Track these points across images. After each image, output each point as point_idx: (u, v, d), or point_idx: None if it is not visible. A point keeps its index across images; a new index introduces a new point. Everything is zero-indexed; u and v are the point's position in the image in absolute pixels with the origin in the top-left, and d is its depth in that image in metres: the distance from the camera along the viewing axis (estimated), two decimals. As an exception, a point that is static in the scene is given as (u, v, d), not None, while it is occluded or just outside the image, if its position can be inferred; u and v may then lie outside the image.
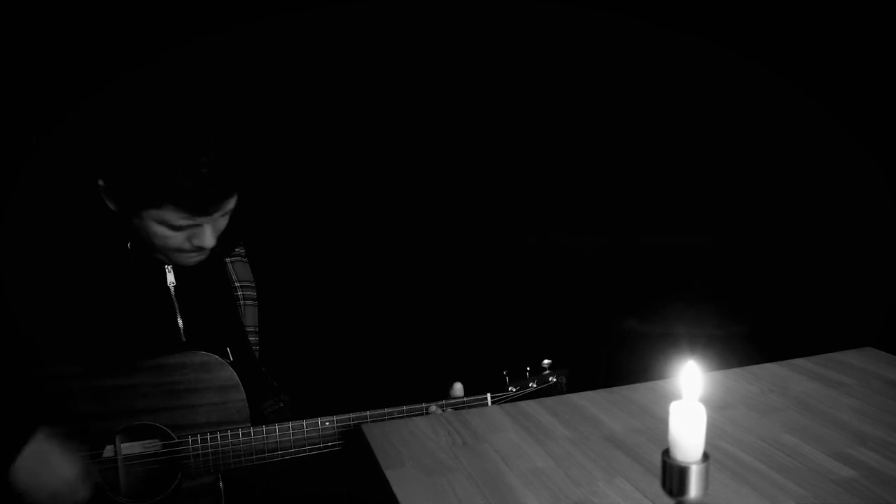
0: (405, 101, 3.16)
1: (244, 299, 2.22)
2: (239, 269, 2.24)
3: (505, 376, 2.26)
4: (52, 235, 1.94)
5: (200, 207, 1.81)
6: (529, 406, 1.93)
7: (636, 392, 1.99)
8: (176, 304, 2.07)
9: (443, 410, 2.13)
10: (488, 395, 2.21)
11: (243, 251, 2.26)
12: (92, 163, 1.84)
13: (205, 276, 2.14)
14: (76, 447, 1.81)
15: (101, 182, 1.84)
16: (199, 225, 1.87)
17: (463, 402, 2.17)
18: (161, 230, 1.85)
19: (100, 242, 1.94)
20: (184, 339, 2.06)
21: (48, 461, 1.76)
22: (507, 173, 3.35)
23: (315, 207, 3.10)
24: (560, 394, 2.26)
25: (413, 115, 3.19)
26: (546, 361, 2.28)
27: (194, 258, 1.98)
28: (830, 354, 2.20)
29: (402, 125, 3.19)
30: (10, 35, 2.52)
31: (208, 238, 1.89)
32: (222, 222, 1.93)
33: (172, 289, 2.07)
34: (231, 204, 1.88)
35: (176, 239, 1.88)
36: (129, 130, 1.76)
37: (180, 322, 2.06)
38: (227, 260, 2.23)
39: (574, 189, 3.40)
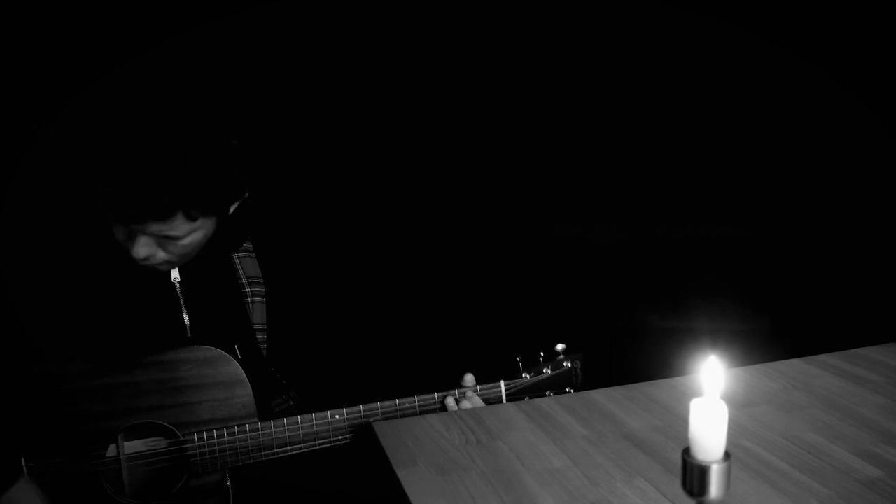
0: (418, 92, 3.17)
1: (252, 296, 2.22)
2: (247, 265, 2.24)
3: (518, 363, 2.27)
4: (54, 230, 1.95)
5: (118, 208, 1.79)
6: (545, 403, 1.94)
7: (656, 389, 2.00)
8: (181, 300, 2.08)
9: (457, 402, 2.14)
10: (501, 383, 2.22)
11: (251, 246, 2.26)
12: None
13: (211, 271, 2.14)
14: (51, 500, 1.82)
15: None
16: (135, 231, 1.84)
17: (476, 391, 2.18)
18: (107, 214, 1.85)
19: (103, 236, 1.94)
20: (189, 336, 2.07)
21: None
22: (520, 165, 3.35)
23: (324, 201, 3.11)
24: (575, 379, 2.27)
25: (425, 106, 3.19)
26: (560, 346, 2.29)
27: (138, 263, 1.95)
28: (856, 350, 2.20)
29: (413, 118, 3.19)
30: (6, 27, 2.53)
31: (137, 249, 1.85)
32: (172, 248, 1.90)
33: (177, 284, 2.08)
34: (171, 232, 1.84)
35: (117, 232, 1.87)
36: (101, 122, 1.76)
37: (186, 318, 2.07)
38: (235, 255, 2.22)
39: (591, 180, 3.40)
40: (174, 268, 2.03)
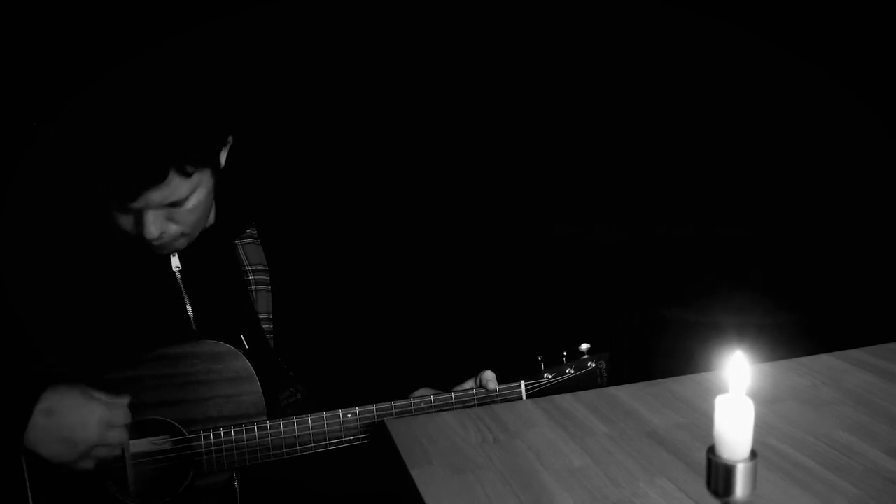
0: (418, 92, 3.19)
1: (256, 284, 2.23)
2: (250, 252, 2.25)
3: (540, 362, 2.26)
4: (54, 230, 1.97)
5: (116, 190, 1.81)
6: (565, 400, 1.95)
7: (680, 385, 2.01)
8: (183, 290, 2.09)
9: (474, 399, 2.15)
10: (522, 383, 2.22)
11: (255, 233, 2.27)
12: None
13: (213, 259, 2.16)
14: (91, 396, 1.82)
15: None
16: (139, 210, 1.87)
17: (495, 392, 2.19)
18: (111, 206, 1.87)
19: (102, 232, 1.97)
20: (194, 328, 2.08)
21: (69, 411, 1.77)
22: (536, 160, 3.37)
23: (334, 186, 3.12)
24: (600, 380, 2.27)
25: (427, 106, 3.21)
26: (584, 346, 2.28)
27: (154, 248, 1.98)
28: (888, 345, 2.20)
29: (416, 117, 3.21)
30: (6, 27, 2.56)
31: (148, 228, 1.88)
32: (181, 216, 1.93)
33: (178, 273, 2.09)
34: (172, 196, 1.87)
35: (123, 221, 1.89)
36: (81, 98, 1.80)
37: (189, 309, 2.09)
38: (238, 242, 2.23)
39: (616, 176, 3.42)
40: (190, 241, 2.03)
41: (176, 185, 1.86)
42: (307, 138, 3.09)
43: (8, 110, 2.39)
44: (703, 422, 1.80)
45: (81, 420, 1.78)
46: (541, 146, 3.35)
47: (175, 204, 1.89)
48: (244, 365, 2.01)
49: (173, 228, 1.94)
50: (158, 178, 1.81)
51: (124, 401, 1.88)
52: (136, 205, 1.84)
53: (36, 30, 2.56)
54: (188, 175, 1.87)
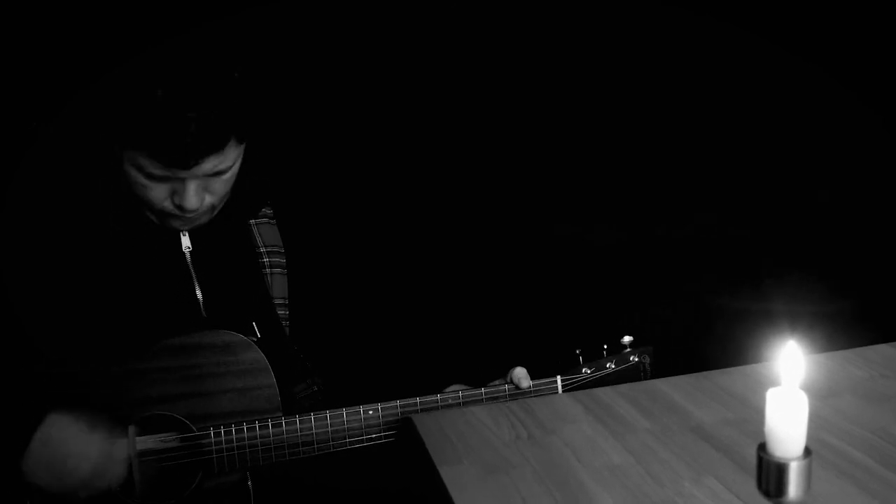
0: (418, 92, 3.22)
1: (271, 266, 2.23)
2: (265, 233, 2.25)
3: (578, 356, 2.25)
4: (56, 219, 1.98)
5: (174, 157, 1.83)
6: (604, 393, 1.94)
7: (728, 377, 2.01)
8: (193, 273, 2.09)
9: (506, 395, 2.15)
10: (558, 378, 2.21)
11: (271, 212, 2.27)
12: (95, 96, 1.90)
13: (226, 239, 2.16)
14: (95, 426, 1.83)
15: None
16: (181, 180, 1.88)
17: (529, 389, 2.18)
18: (139, 178, 1.88)
19: (104, 210, 1.98)
20: (204, 315, 2.08)
21: (64, 444, 1.79)
22: (574, 155, 3.40)
23: (354, 163, 3.13)
24: (643, 376, 2.26)
25: (438, 99, 3.24)
26: (626, 338, 2.27)
27: (179, 223, 2.00)
28: (953, 334, 2.20)
29: (429, 107, 3.24)
30: (7, 23, 2.59)
31: (190, 198, 1.90)
32: (217, 186, 1.95)
33: (188, 254, 2.10)
34: (221, 165, 1.89)
35: (156, 192, 1.90)
36: (133, 67, 1.82)
37: (199, 293, 2.09)
38: (252, 222, 2.24)
39: (617, 175, 3.44)
40: (212, 216, 2.05)
41: (228, 154, 1.90)
42: (324, 117, 3.10)
43: (8, 110, 2.42)
44: (754, 417, 1.79)
45: (74, 455, 1.80)
46: (545, 146, 3.38)
47: (218, 173, 1.92)
48: (258, 357, 2.00)
49: (208, 199, 1.96)
50: (220, 145, 1.86)
51: (129, 434, 1.90)
52: (184, 173, 1.86)
53: (36, 30, 2.59)
54: (240, 143, 1.92)
